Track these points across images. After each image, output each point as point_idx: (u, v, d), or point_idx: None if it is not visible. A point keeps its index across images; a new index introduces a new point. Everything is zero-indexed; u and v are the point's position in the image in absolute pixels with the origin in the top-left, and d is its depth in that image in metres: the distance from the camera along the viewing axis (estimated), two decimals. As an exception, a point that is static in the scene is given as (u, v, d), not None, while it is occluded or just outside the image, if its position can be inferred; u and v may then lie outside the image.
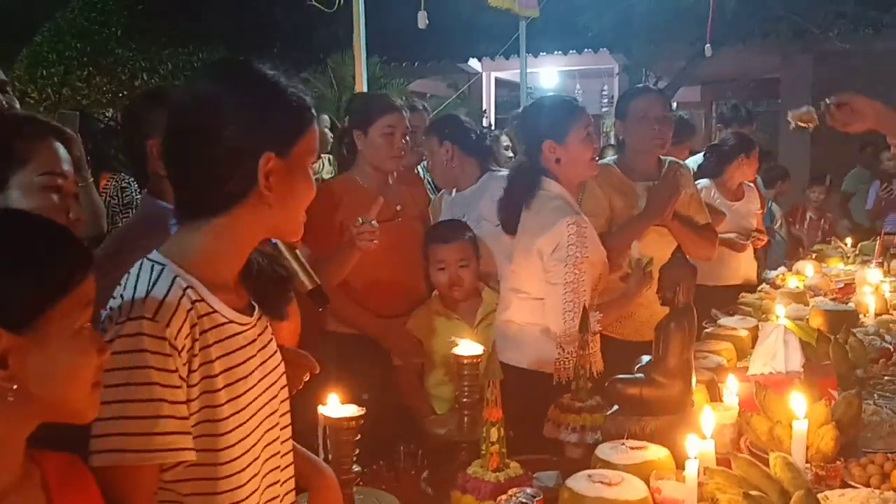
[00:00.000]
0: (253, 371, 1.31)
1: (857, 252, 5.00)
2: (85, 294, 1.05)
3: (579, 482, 1.54)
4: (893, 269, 4.36)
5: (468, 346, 2.09)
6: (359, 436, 1.70)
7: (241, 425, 1.26)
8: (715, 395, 2.22)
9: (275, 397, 1.38)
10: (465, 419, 2.07)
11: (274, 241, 1.79)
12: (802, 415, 1.74)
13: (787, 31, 9.68)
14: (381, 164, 3.00)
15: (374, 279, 2.95)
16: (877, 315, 3.33)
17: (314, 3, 4.99)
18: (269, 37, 9.99)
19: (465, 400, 2.07)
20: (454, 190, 3.30)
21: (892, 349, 2.78)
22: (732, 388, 2.11)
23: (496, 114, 11.11)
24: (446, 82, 10.43)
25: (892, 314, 3.40)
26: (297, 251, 1.81)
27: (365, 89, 4.86)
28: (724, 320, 3.19)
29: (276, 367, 1.40)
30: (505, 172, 2.91)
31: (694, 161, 4.86)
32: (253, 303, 1.37)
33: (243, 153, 1.22)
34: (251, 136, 1.22)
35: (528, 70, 11.88)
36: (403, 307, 3.06)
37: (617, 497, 1.49)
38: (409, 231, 3.08)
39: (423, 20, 4.18)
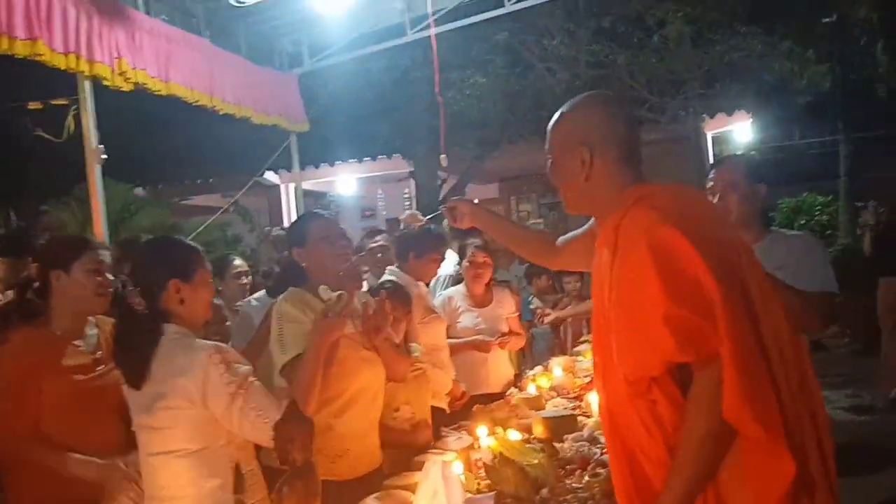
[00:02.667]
0: None
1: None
2: None
3: None
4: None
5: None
6: None
7: None
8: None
9: None
10: None
11: None
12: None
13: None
14: (87, 305, 2.77)
15: (72, 441, 2.64)
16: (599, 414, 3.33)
17: (41, 133, 4.77)
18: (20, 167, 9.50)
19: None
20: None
21: (590, 458, 2.75)
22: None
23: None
24: (225, 197, 10.27)
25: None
26: None
27: (102, 217, 4.60)
28: (446, 439, 3.10)
29: None
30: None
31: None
32: None
33: None
34: None
35: (327, 179, 12.04)
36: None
37: None
38: (111, 384, 2.81)
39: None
